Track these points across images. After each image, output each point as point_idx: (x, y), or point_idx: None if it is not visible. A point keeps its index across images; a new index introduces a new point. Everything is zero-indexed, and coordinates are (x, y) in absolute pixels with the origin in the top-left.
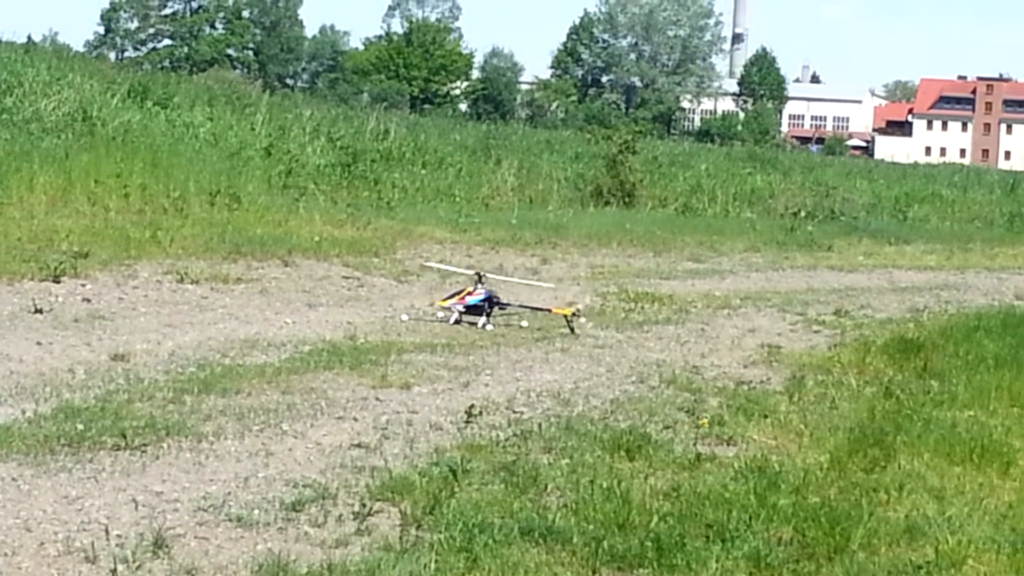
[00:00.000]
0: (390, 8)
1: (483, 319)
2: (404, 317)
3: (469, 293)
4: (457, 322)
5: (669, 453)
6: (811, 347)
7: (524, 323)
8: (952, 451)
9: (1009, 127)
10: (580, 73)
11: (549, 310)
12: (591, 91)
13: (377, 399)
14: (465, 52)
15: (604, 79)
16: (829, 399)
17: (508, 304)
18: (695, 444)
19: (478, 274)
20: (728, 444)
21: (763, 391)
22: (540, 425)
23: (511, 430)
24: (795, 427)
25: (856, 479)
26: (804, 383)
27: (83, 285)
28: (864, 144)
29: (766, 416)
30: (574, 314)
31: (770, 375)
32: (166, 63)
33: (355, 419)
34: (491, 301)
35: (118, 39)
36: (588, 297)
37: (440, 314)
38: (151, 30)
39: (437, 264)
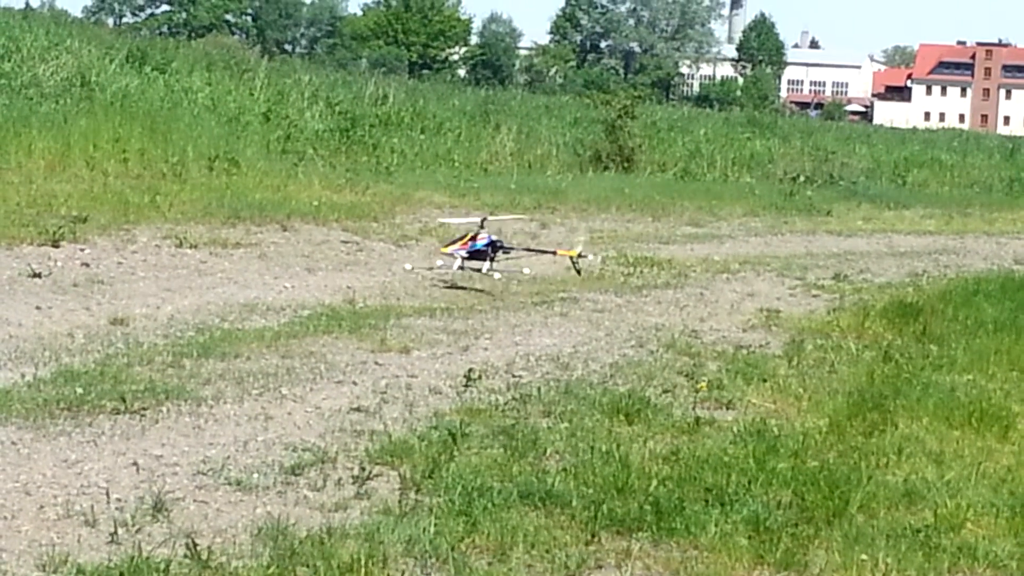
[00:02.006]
0: None
1: (487, 264)
2: (408, 266)
3: (472, 238)
4: (460, 268)
5: (668, 417)
6: (810, 311)
7: (527, 270)
8: (951, 415)
9: (1008, 92)
10: (579, 39)
11: (554, 252)
12: (590, 56)
13: (376, 363)
14: (464, 17)
15: (603, 44)
16: (828, 363)
17: (512, 247)
18: (694, 408)
19: (480, 221)
20: (727, 408)
21: (762, 355)
22: (539, 389)
23: (510, 394)
24: (794, 391)
25: (855, 443)
26: (803, 347)
27: (82, 250)
28: (863, 109)
29: (765, 380)
30: (580, 255)
31: (769, 339)
32: (164, 29)
33: (354, 383)
34: (494, 245)
35: (116, 5)
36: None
37: (439, 263)
38: None
39: (451, 219)
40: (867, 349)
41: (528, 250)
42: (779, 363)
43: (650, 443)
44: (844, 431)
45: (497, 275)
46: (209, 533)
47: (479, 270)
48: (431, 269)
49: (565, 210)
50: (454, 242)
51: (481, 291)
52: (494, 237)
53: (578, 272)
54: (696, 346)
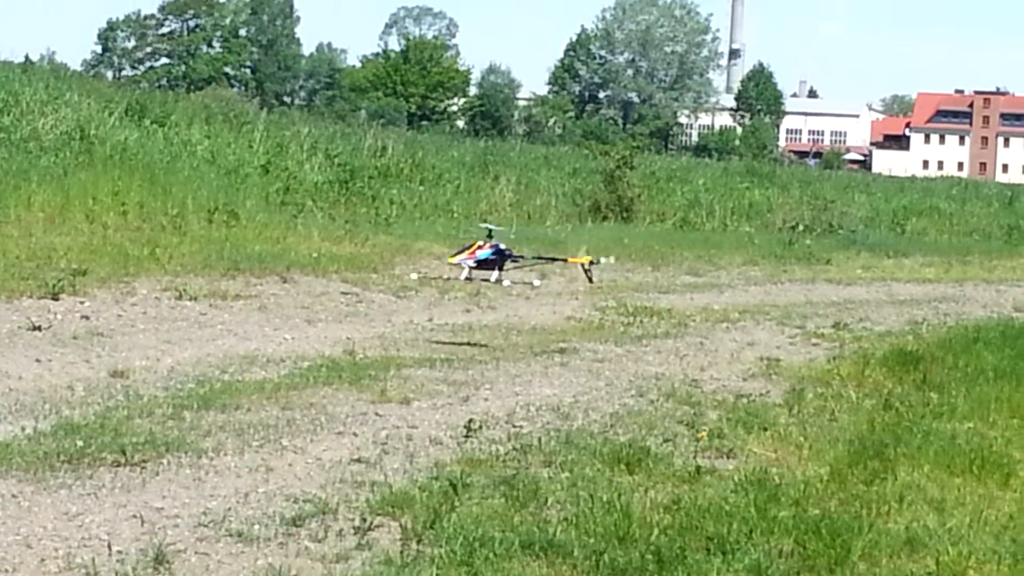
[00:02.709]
0: (387, 25)
1: (496, 273)
2: (413, 276)
3: (479, 247)
4: (468, 279)
5: (669, 466)
6: (810, 360)
7: (536, 282)
8: (952, 463)
9: (1006, 140)
10: (577, 89)
11: (565, 260)
12: (588, 107)
13: (377, 414)
14: (462, 69)
15: (601, 95)
16: (829, 411)
17: (522, 256)
18: (695, 457)
19: (488, 230)
20: (728, 457)
21: (763, 404)
22: (540, 439)
23: (511, 444)
24: (795, 439)
25: (856, 491)
26: (804, 396)
27: (82, 302)
28: (862, 158)
29: (766, 429)
30: (592, 262)
31: (769, 388)
32: (163, 82)
33: (355, 434)
34: (503, 254)
35: (115, 58)
36: (587, 310)
37: (446, 275)
38: (148, 49)
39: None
40: (867, 397)
41: (538, 258)
42: (780, 412)
43: (651, 492)
44: (845, 479)
45: (507, 282)
46: None
47: (488, 279)
48: (439, 279)
49: None
50: (461, 251)
51: (479, 344)
52: (502, 246)
53: (590, 280)
54: (696, 395)
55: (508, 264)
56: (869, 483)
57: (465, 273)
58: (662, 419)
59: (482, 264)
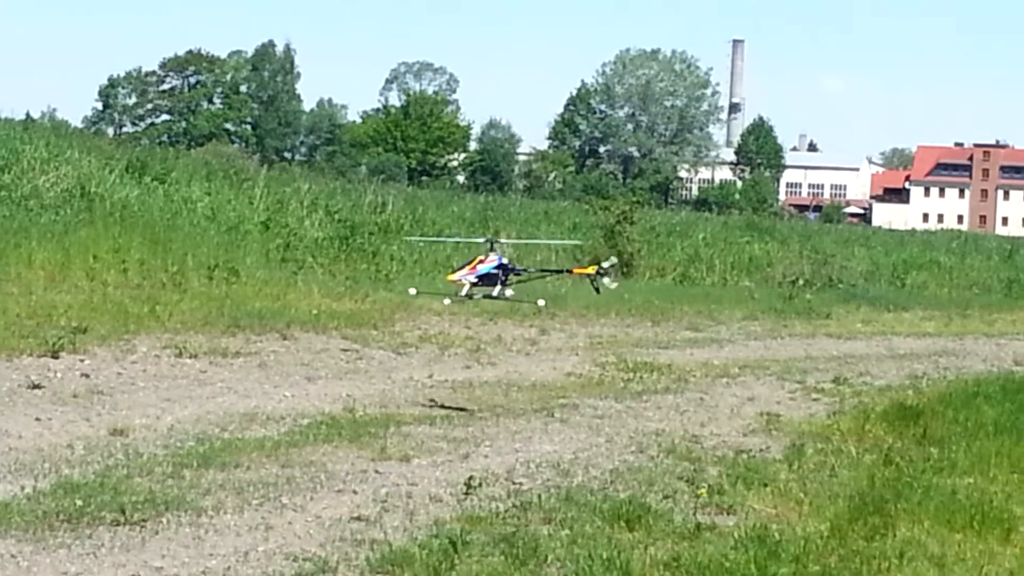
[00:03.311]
0: (388, 81)
1: (498, 287)
2: (412, 291)
3: (480, 261)
4: (470, 296)
5: (669, 523)
6: (810, 415)
7: (541, 302)
8: (952, 518)
9: (1006, 193)
10: (578, 144)
11: (570, 271)
12: (589, 161)
13: (376, 472)
14: (463, 124)
15: (601, 149)
16: (829, 467)
17: (525, 270)
18: (695, 514)
19: (489, 241)
20: (728, 513)
21: (763, 460)
22: (540, 496)
23: (511, 501)
24: (795, 495)
25: (857, 547)
26: (803, 451)
27: (82, 360)
28: (862, 211)
29: (766, 485)
30: (598, 272)
31: (769, 443)
32: (164, 138)
33: (355, 492)
34: (506, 268)
35: (116, 115)
36: (587, 366)
37: (446, 301)
38: (149, 105)
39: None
40: (868, 452)
41: (543, 271)
42: (780, 467)
43: (651, 549)
44: (845, 535)
45: (509, 292)
46: None
47: (491, 295)
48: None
49: (564, 316)
50: (461, 268)
51: (464, 409)
52: (504, 259)
53: (597, 291)
54: (696, 451)
55: (512, 278)
56: (869, 539)
57: (466, 290)
58: (662, 475)
59: (484, 279)
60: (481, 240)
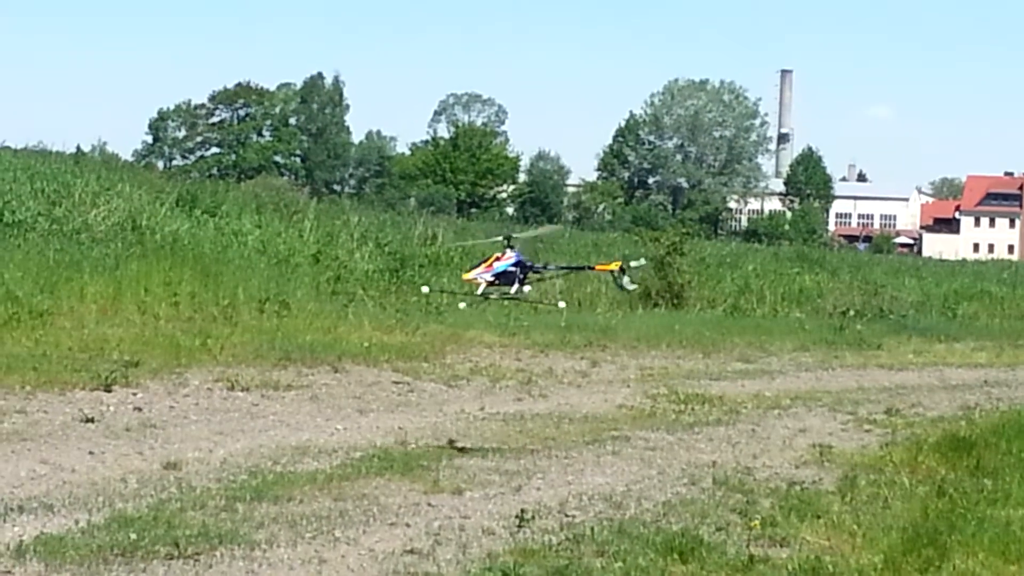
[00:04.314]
0: (436, 113)
1: (516, 286)
2: (425, 289)
3: (497, 259)
4: (486, 296)
5: (722, 556)
6: (863, 446)
7: (562, 304)
8: (1007, 550)
9: None
10: (626, 175)
11: (592, 267)
12: (638, 193)
13: (429, 504)
14: (511, 155)
15: (650, 180)
16: (882, 499)
17: (544, 267)
18: (748, 546)
19: (507, 238)
20: (781, 546)
21: (815, 491)
22: (592, 529)
23: (563, 534)
24: (848, 527)
25: None
26: (856, 483)
27: (134, 394)
28: (911, 242)
29: (819, 517)
30: (621, 269)
31: (822, 475)
32: (214, 171)
33: (407, 525)
34: (523, 265)
35: (166, 148)
36: (638, 398)
37: (462, 306)
38: (199, 138)
39: (464, 243)
40: (921, 484)
41: (563, 267)
42: (832, 499)
43: None
44: (899, 567)
45: (527, 288)
46: None
47: (507, 294)
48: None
49: (615, 348)
50: (477, 266)
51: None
52: (523, 257)
53: (620, 287)
54: (749, 483)
55: (531, 276)
56: (923, 571)
57: (482, 288)
58: (715, 508)
59: (501, 277)
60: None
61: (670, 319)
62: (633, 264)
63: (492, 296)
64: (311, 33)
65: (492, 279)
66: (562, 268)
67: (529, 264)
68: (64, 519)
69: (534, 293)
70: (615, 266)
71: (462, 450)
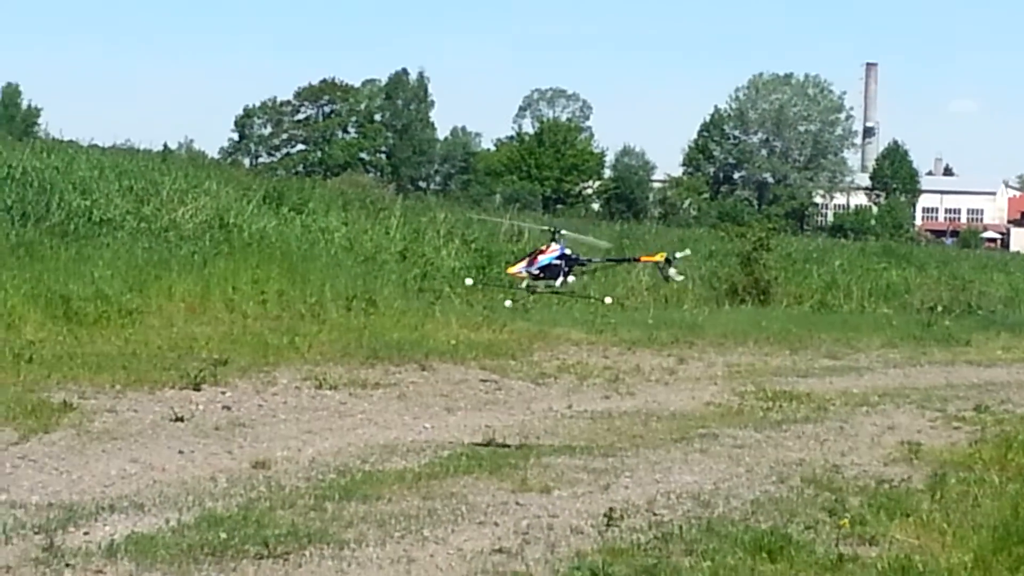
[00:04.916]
0: (521, 109)
1: (561, 279)
2: (468, 282)
3: (541, 252)
4: (532, 291)
5: (811, 554)
6: (952, 444)
7: (608, 300)
8: None
9: None
10: (712, 170)
11: (637, 259)
12: (723, 188)
13: (517, 503)
14: (596, 151)
15: (736, 175)
16: (972, 497)
17: (590, 260)
18: (837, 544)
19: (551, 230)
20: (870, 544)
21: (904, 489)
22: (681, 527)
23: (652, 533)
24: (938, 526)
25: None
26: (946, 481)
27: (223, 392)
28: (999, 236)
29: (908, 515)
30: (668, 260)
31: (911, 473)
32: (300, 168)
33: (496, 524)
34: (568, 258)
35: (252, 145)
36: (725, 395)
37: (508, 304)
38: (284, 135)
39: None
40: (1011, 481)
41: (609, 260)
42: (922, 497)
43: None
44: (990, 566)
45: (572, 279)
46: None
47: (551, 288)
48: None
49: (702, 344)
50: (521, 260)
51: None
52: (568, 250)
53: (666, 279)
54: (838, 481)
55: (576, 269)
56: (1015, 570)
57: (526, 282)
58: (803, 506)
59: (545, 270)
60: (544, 228)
61: (757, 315)
62: (678, 255)
63: (538, 290)
64: (396, 29)
65: (537, 272)
66: (608, 260)
67: (574, 256)
68: (154, 518)
69: (580, 287)
70: (660, 257)
71: (500, 446)
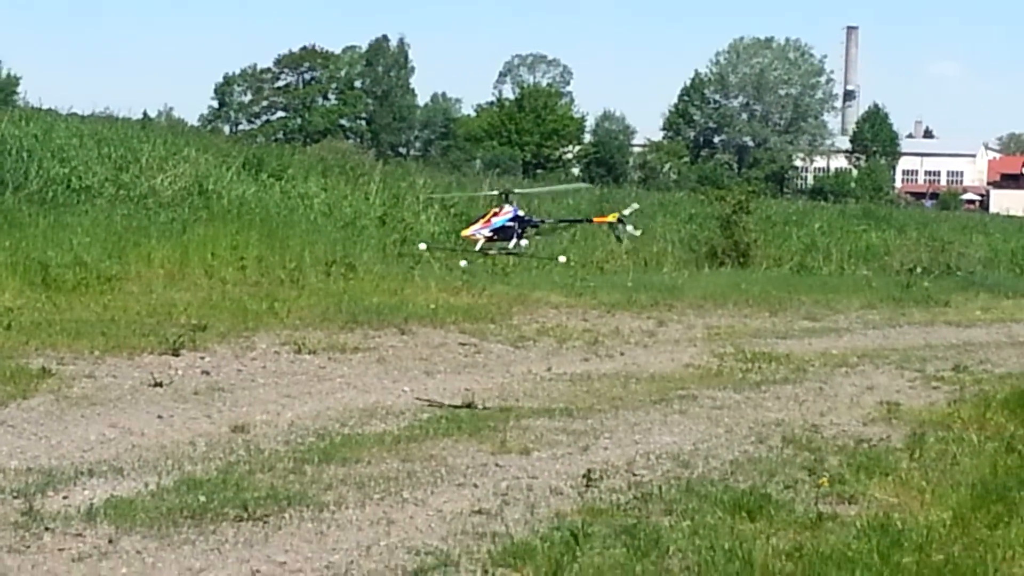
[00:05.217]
0: (501, 74)
1: (514, 240)
2: (422, 246)
3: (495, 214)
4: (485, 252)
5: (791, 513)
6: (931, 403)
7: (562, 258)
8: None
9: None
10: (692, 134)
11: (590, 220)
12: (703, 152)
13: (496, 465)
14: (577, 116)
15: (716, 139)
16: (950, 455)
17: (543, 221)
18: (816, 503)
19: (504, 192)
20: (849, 503)
21: (883, 448)
22: (660, 488)
23: (631, 493)
24: (917, 484)
25: (980, 536)
26: (924, 440)
27: (202, 358)
28: (979, 198)
29: (887, 474)
30: (619, 220)
31: (890, 432)
32: (280, 135)
33: (475, 485)
34: (522, 219)
35: (232, 112)
36: (705, 357)
37: (463, 264)
38: (264, 103)
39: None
40: (989, 440)
41: (562, 221)
42: (901, 456)
43: (773, 540)
44: (969, 524)
45: (525, 242)
46: None
47: (505, 249)
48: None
49: (682, 307)
50: (475, 222)
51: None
52: (521, 211)
53: (619, 240)
54: (817, 441)
55: (530, 231)
56: (993, 527)
57: (480, 245)
58: (783, 466)
59: (499, 232)
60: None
61: (736, 278)
62: (627, 212)
63: (491, 252)
64: None
65: (490, 234)
66: (562, 221)
67: (527, 218)
68: (133, 482)
69: (532, 250)
70: (613, 218)
71: (442, 406)
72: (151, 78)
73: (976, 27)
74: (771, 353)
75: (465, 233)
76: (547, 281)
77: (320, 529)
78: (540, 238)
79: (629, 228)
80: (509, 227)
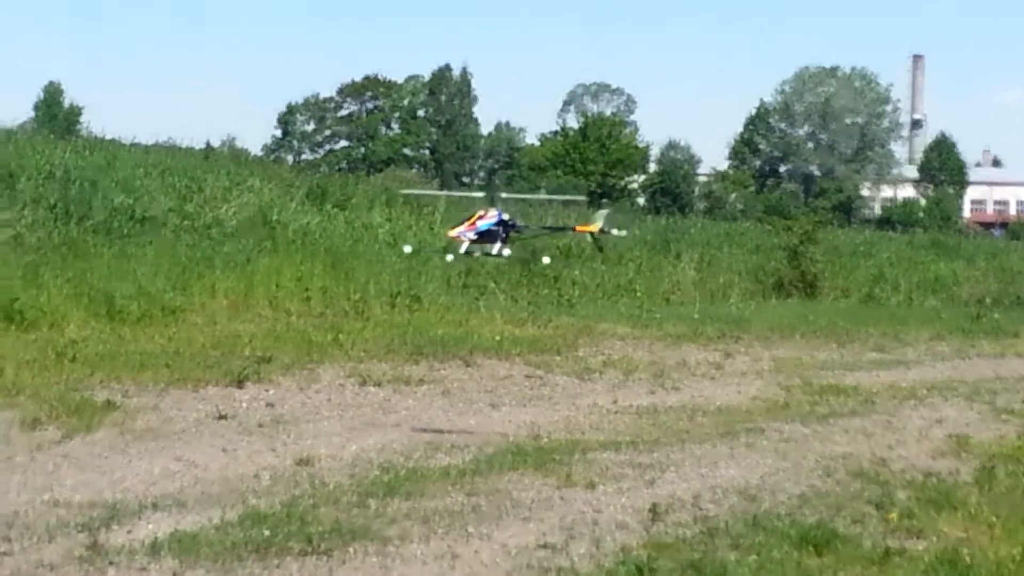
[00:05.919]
0: (565, 103)
1: (498, 245)
2: (407, 248)
3: (480, 217)
4: (469, 253)
5: (858, 548)
6: (1000, 436)
7: (546, 259)
8: None
9: None
10: (757, 163)
11: (573, 228)
12: (769, 181)
13: (562, 498)
14: (641, 145)
15: (782, 169)
16: (1020, 489)
17: (526, 227)
18: (884, 538)
19: (491, 195)
20: (918, 538)
21: (952, 483)
22: (726, 522)
23: (697, 527)
24: (986, 519)
25: None
26: (994, 473)
27: (266, 390)
28: None
29: (956, 508)
30: (602, 231)
31: (959, 466)
32: (343, 164)
33: (540, 519)
34: (506, 224)
35: (295, 142)
36: (772, 389)
37: (449, 258)
38: (327, 132)
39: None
40: None
41: (545, 228)
42: (970, 490)
43: (840, 575)
44: None
45: (507, 252)
46: None
47: (489, 253)
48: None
49: (749, 339)
50: (461, 223)
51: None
52: (506, 216)
53: (600, 249)
54: (885, 475)
55: (512, 235)
56: None
57: (465, 246)
58: (850, 500)
59: (484, 236)
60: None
61: (803, 309)
62: (600, 222)
63: (475, 254)
64: (438, 25)
65: (475, 237)
66: (544, 228)
67: (511, 223)
68: (197, 516)
69: (516, 253)
70: (595, 228)
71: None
72: (213, 108)
73: None
74: (839, 385)
75: (451, 234)
76: (613, 312)
77: (384, 564)
78: (605, 267)
79: (615, 231)
80: (494, 231)
